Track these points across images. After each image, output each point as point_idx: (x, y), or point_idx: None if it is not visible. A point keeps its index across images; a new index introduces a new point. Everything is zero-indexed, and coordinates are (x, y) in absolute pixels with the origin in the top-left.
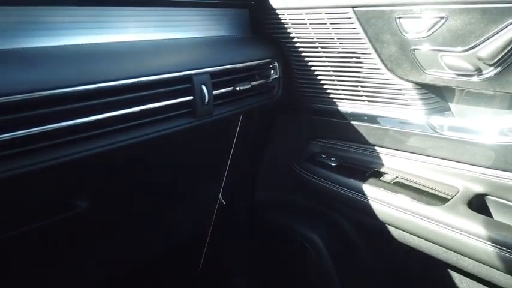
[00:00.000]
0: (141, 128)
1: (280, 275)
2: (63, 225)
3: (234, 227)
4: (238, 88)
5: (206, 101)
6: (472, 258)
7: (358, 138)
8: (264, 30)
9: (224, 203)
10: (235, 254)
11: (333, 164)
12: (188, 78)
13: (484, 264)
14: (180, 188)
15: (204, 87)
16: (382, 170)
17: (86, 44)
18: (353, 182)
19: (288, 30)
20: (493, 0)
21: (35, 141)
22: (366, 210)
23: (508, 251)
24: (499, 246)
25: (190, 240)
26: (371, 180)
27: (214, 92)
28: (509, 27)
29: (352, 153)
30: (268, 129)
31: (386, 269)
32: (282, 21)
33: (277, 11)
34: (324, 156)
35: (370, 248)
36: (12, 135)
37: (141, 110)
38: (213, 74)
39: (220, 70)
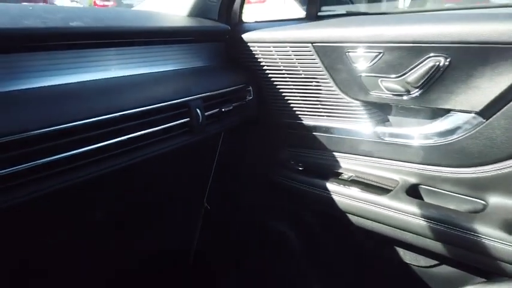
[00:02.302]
0: (151, 146)
1: (263, 270)
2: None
3: (220, 232)
4: (223, 109)
5: (200, 121)
6: (412, 232)
7: (320, 146)
8: (239, 60)
9: (209, 207)
10: (221, 258)
11: (300, 169)
12: (185, 104)
13: (421, 236)
14: (169, 201)
15: (198, 110)
16: (340, 171)
17: (89, 80)
18: (317, 181)
19: (259, 60)
20: (414, 40)
21: (48, 167)
22: (330, 204)
23: (438, 224)
24: (430, 221)
25: (177, 250)
26: (332, 179)
27: (206, 113)
28: (426, 60)
29: (316, 159)
30: (246, 143)
31: (348, 250)
32: (253, 52)
33: (248, 44)
34: (292, 162)
35: (334, 235)
36: (24, 166)
37: (151, 132)
38: (204, 99)
39: (209, 95)
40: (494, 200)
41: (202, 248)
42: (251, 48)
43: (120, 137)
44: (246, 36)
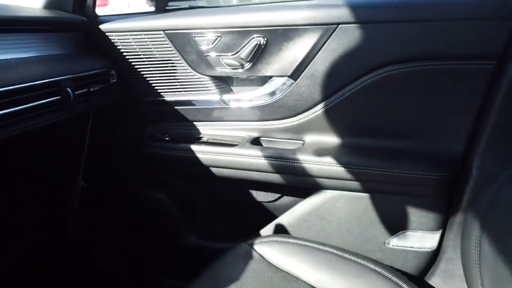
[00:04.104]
0: (23, 122)
1: (144, 236)
2: None
3: (100, 208)
4: (91, 89)
5: (71, 99)
6: (258, 171)
7: (180, 118)
8: (99, 47)
9: (85, 185)
10: (104, 235)
11: (167, 139)
12: (57, 83)
13: (264, 171)
14: (45, 181)
15: (69, 89)
16: (200, 136)
17: None
18: (182, 145)
19: (119, 47)
20: (242, 25)
21: None
22: (194, 162)
23: (274, 159)
24: (269, 159)
25: (57, 233)
26: (194, 143)
27: (76, 93)
28: (251, 40)
29: (179, 130)
30: (115, 121)
31: (215, 199)
32: (113, 41)
33: (107, 34)
34: (159, 135)
35: (202, 188)
36: None
37: (23, 108)
38: (73, 79)
39: (78, 77)
40: (308, 138)
41: (83, 227)
42: (109, 37)
43: None
44: (103, 27)
